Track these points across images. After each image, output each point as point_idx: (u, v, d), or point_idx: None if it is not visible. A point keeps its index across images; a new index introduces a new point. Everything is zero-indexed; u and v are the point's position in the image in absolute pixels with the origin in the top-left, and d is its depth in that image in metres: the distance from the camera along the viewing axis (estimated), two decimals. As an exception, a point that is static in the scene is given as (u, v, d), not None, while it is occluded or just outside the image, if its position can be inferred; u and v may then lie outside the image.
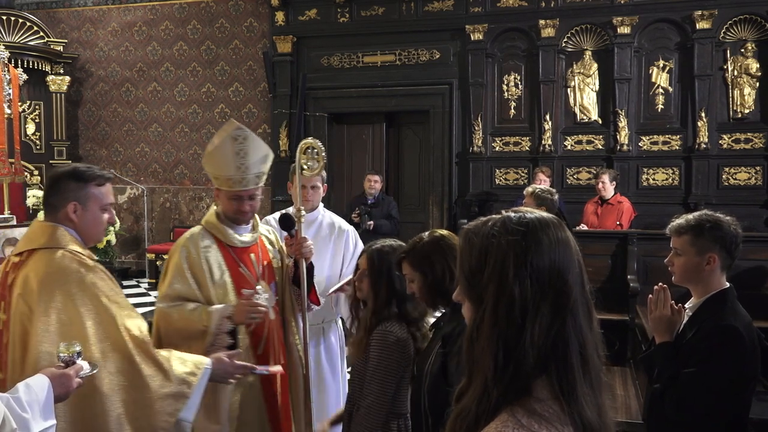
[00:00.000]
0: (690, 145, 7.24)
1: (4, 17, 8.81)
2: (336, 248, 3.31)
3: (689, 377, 2.09)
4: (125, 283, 8.63)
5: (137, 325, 2.07)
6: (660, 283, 2.30)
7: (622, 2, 7.34)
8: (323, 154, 2.84)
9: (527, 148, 7.78)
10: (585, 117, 7.59)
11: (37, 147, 9.17)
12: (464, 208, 7.78)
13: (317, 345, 3.27)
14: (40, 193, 6.04)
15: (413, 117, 8.41)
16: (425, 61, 8.06)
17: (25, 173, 8.11)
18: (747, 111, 7.11)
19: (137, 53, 9.40)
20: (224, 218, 2.61)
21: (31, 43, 8.84)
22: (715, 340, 2.09)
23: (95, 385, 1.91)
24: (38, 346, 1.89)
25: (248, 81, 9.00)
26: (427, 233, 2.17)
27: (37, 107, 9.13)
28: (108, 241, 6.85)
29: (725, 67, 7.16)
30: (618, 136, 7.37)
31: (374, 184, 7.03)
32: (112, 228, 5.89)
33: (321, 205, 3.41)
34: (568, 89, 7.62)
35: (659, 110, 7.38)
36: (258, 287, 2.57)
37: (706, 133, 7.12)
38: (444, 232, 2.17)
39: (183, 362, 2.11)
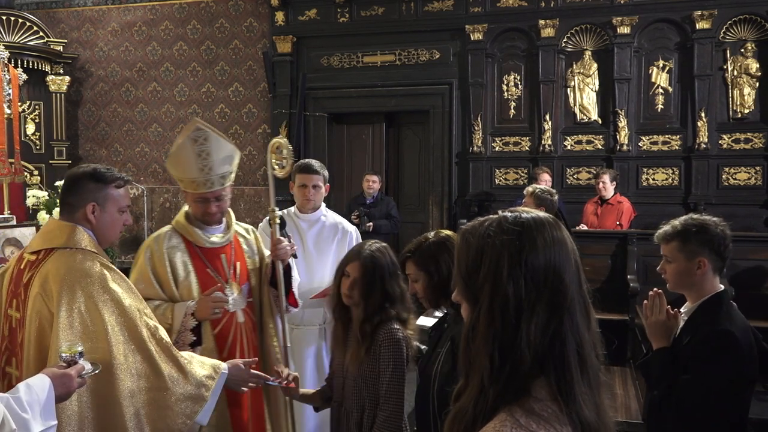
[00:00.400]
0: (690, 145, 7.24)
1: (4, 17, 8.81)
2: (339, 249, 3.28)
3: (687, 383, 2.08)
4: (125, 283, 8.62)
5: (158, 327, 2.08)
6: (655, 289, 2.29)
7: (621, 2, 7.34)
8: (291, 152, 2.80)
9: (527, 148, 7.77)
10: (585, 117, 7.59)
11: (37, 147, 9.16)
12: (464, 208, 7.78)
13: (318, 347, 3.24)
14: (40, 193, 6.04)
15: (413, 117, 8.41)
16: (425, 61, 8.06)
17: (25, 173, 8.10)
18: (747, 111, 7.11)
19: (137, 53, 9.40)
20: (194, 219, 2.58)
21: (31, 43, 8.83)
22: (711, 345, 2.07)
23: (117, 386, 1.91)
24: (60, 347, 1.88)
25: (248, 81, 8.99)
26: (432, 233, 2.16)
27: (36, 107, 9.11)
28: (108, 241, 6.85)
29: (725, 67, 7.16)
30: (618, 136, 7.37)
31: (373, 184, 7.04)
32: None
33: (323, 205, 3.39)
34: (568, 89, 7.62)
35: (659, 110, 7.38)
36: (226, 287, 2.55)
37: (706, 133, 7.12)
38: (449, 232, 2.15)
39: (202, 365, 2.11)
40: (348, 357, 2.29)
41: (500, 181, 7.86)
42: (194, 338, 2.42)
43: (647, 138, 7.42)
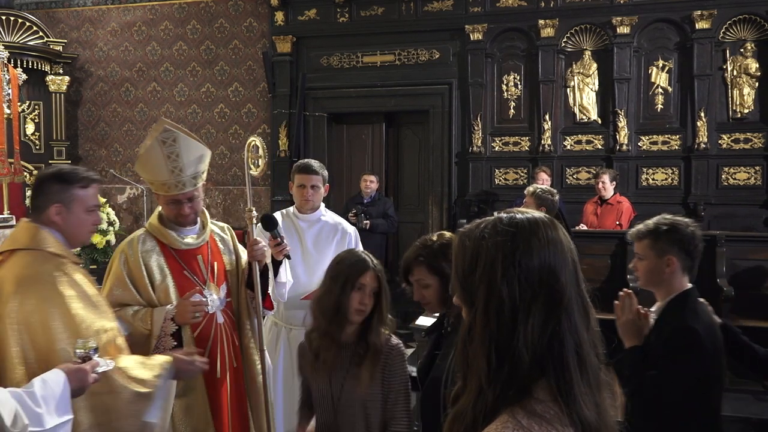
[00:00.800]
0: (689, 145, 7.24)
1: (4, 17, 8.80)
2: (338, 250, 3.24)
3: (652, 380, 2.11)
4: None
5: (108, 329, 2.05)
6: (625, 289, 2.35)
7: (621, 2, 7.34)
8: (266, 151, 2.78)
9: (527, 148, 7.78)
10: (584, 117, 7.59)
11: (37, 147, 9.16)
12: (464, 208, 7.79)
13: None
14: (40, 193, 6.03)
15: (413, 117, 8.41)
16: (425, 61, 8.06)
17: (25, 173, 8.10)
18: (746, 111, 7.11)
19: (137, 53, 9.40)
20: (167, 221, 2.56)
21: (31, 43, 8.83)
22: (674, 343, 2.12)
23: None
24: (9, 349, 1.87)
25: (248, 81, 8.99)
26: (435, 235, 2.12)
27: (36, 107, 9.11)
28: (108, 241, 6.85)
29: (725, 67, 7.16)
30: (617, 136, 7.37)
31: (370, 184, 7.06)
32: (111, 228, 5.88)
33: (323, 205, 3.38)
34: (568, 89, 7.62)
35: (659, 110, 7.38)
36: (204, 288, 2.52)
37: (706, 133, 7.12)
38: (451, 234, 2.10)
39: (144, 365, 2.07)
40: (348, 381, 2.13)
41: (500, 181, 7.86)
42: (174, 343, 2.39)
43: (647, 138, 7.42)
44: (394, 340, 2.20)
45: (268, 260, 2.72)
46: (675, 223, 2.27)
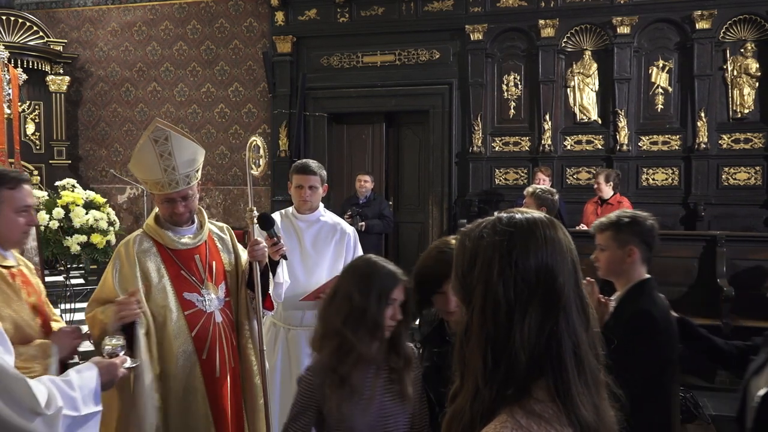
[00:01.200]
0: (690, 145, 7.24)
1: (4, 17, 8.81)
2: (337, 250, 3.26)
3: (612, 363, 2.16)
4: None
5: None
6: (588, 278, 2.39)
7: (621, 2, 7.34)
8: (266, 152, 2.79)
9: (527, 148, 7.78)
10: (585, 117, 7.59)
11: (37, 147, 9.16)
12: (464, 208, 7.79)
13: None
14: (40, 194, 6.03)
15: (413, 117, 8.41)
16: (425, 61, 8.06)
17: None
18: (746, 111, 7.11)
19: (137, 53, 9.40)
20: (163, 221, 2.55)
21: (31, 43, 8.83)
22: (631, 325, 2.23)
23: None
24: None
25: (248, 81, 9.00)
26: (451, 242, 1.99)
27: (36, 107, 9.12)
28: (108, 241, 6.85)
29: (725, 67, 7.16)
30: (618, 136, 7.37)
31: (365, 184, 7.06)
32: (112, 228, 5.87)
33: (321, 206, 3.36)
34: (568, 89, 7.62)
35: (659, 110, 7.38)
36: (202, 288, 2.53)
37: (706, 133, 7.12)
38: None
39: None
40: (394, 402, 1.94)
41: (500, 181, 7.86)
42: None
43: (647, 138, 7.42)
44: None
45: (281, 261, 2.72)
46: (636, 216, 2.39)
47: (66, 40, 9.35)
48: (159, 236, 2.53)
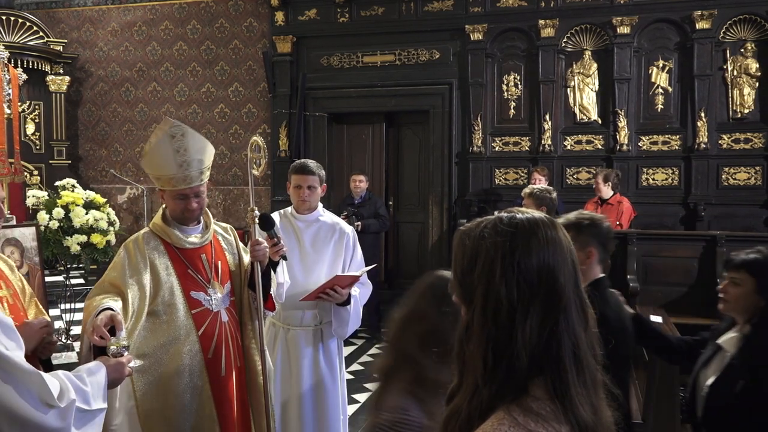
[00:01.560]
0: (690, 145, 7.24)
1: (4, 17, 8.81)
2: (336, 250, 3.25)
3: None
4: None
5: None
6: None
7: (621, 2, 7.34)
8: (266, 152, 2.80)
9: (527, 148, 7.78)
10: (585, 117, 7.59)
11: (37, 147, 9.16)
12: (464, 208, 7.79)
13: (315, 349, 3.18)
14: (40, 194, 6.03)
15: (413, 117, 8.41)
16: (425, 61, 8.06)
17: (25, 173, 8.10)
18: (746, 111, 7.11)
19: (137, 53, 9.40)
20: (171, 220, 2.56)
21: (31, 43, 8.84)
22: None
23: None
24: None
25: (248, 81, 9.00)
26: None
27: (36, 107, 9.12)
28: (108, 241, 6.84)
29: (725, 67, 7.16)
30: (618, 136, 7.37)
31: (360, 184, 7.07)
32: (112, 228, 5.86)
33: (320, 205, 3.36)
34: (568, 89, 7.62)
35: (659, 110, 7.38)
36: (208, 287, 2.54)
37: (706, 133, 7.12)
38: None
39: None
40: None
41: (500, 181, 7.86)
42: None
43: (647, 138, 7.42)
44: None
45: (281, 261, 2.73)
46: (594, 218, 2.46)
47: (66, 40, 9.35)
48: (166, 235, 2.53)
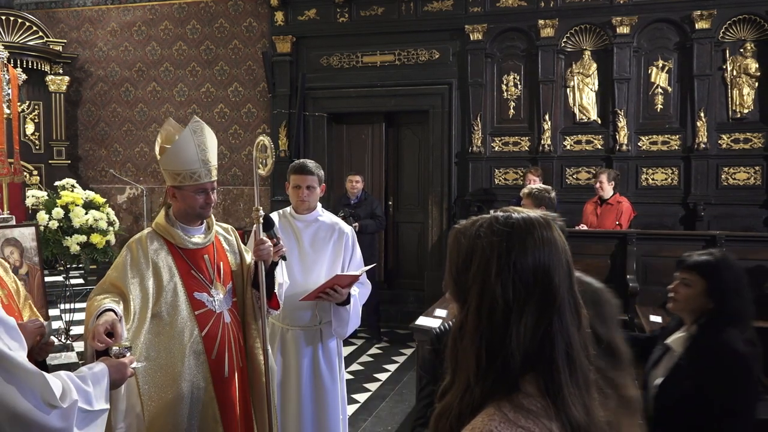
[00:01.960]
0: (689, 145, 7.24)
1: (4, 17, 8.81)
2: (335, 250, 3.25)
3: None
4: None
5: None
6: None
7: (621, 2, 7.34)
8: (273, 151, 2.82)
9: (526, 148, 7.78)
10: (584, 117, 7.59)
11: (37, 147, 9.16)
12: (463, 208, 7.79)
13: (314, 349, 3.18)
14: (40, 194, 6.04)
15: (412, 117, 8.41)
16: (424, 61, 8.06)
17: (25, 173, 8.10)
18: (746, 111, 7.11)
19: (136, 53, 9.40)
20: (175, 220, 2.56)
21: (31, 43, 8.84)
22: None
23: None
24: None
25: (247, 81, 9.00)
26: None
27: (36, 107, 9.12)
28: (108, 241, 6.85)
29: (724, 67, 7.16)
30: (617, 136, 7.37)
31: (356, 184, 7.08)
32: (111, 228, 5.87)
33: (319, 206, 3.36)
34: (568, 89, 7.62)
35: (658, 110, 7.38)
36: (210, 287, 2.55)
37: (705, 133, 7.12)
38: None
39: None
40: None
41: (500, 181, 7.86)
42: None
43: (647, 138, 7.42)
44: None
45: (280, 261, 2.73)
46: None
47: (65, 40, 9.35)
48: (170, 235, 2.53)
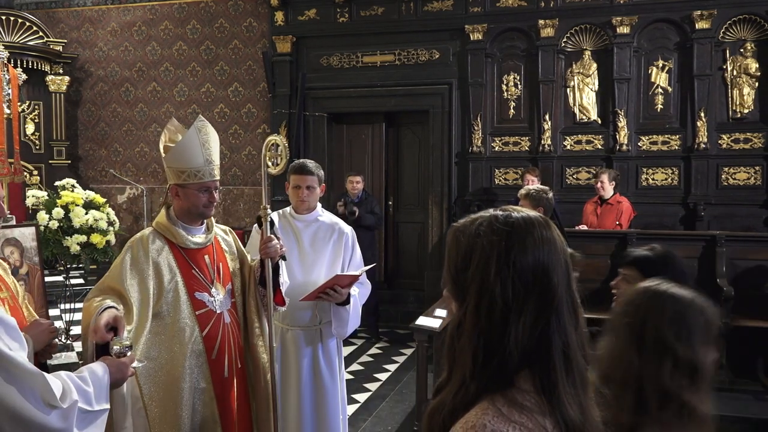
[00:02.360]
0: (689, 145, 7.24)
1: (4, 17, 8.81)
2: (335, 250, 3.25)
3: None
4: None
5: None
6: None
7: (621, 2, 7.34)
8: (286, 151, 2.83)
9: (527, 148, 7.78)
10: (584, 117, 7.59)
11: (37, 147, 9.16)
12: (463, 208, 7.78)
13: (314, 349, 3.18)
14: (40, 193, 6.03)
15: (413, 117, 8.41)
16: (425, 61, 8.06)
17: (25, 173, 8.11)
18: (746, 111, 7.11)
19: (137, 53, 9.40)
20: (176, 219, 2.56)
21: (31, 43, 8.84)
22: None
23: None
24: None
25: (248, 81, 9.00)
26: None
27: (36, 107, 9.12)
28: (108, 241, 6.85)
29: (724, 67, 7.16)
30: (617, 136, 7.37)
31: (356, 185, 7.13)
32: (111, 228, 5.86)
33: (319, 205, 3.36)
34: (568, 89, 7.62)
35: (658, 110, 7.38)
36: (211, 287, 2.55)
37: (706, 133, 7.12)
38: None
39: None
40: None
41: (500, 181, 7.86)
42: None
43: (647, 138, 7.42)
44: None
45: (280, 261, 2.74)
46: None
47: (66, 40, 9.35)
48: (171, 234, 2.53)
